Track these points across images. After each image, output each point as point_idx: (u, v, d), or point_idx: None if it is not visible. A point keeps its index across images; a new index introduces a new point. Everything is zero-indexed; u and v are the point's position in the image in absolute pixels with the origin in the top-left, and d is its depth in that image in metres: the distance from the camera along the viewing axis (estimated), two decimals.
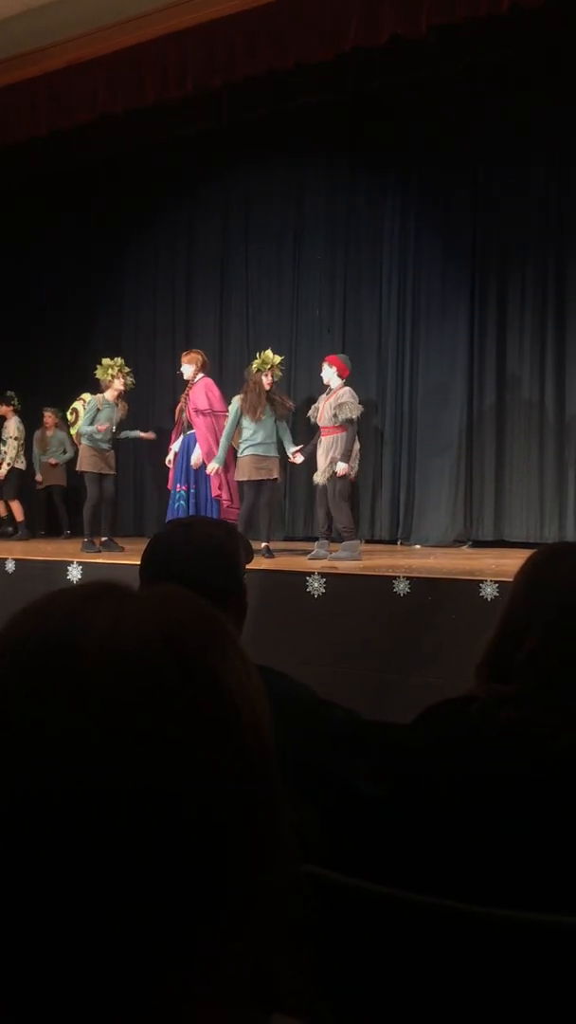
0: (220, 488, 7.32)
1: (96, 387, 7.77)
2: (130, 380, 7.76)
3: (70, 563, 6.24)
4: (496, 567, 5.58)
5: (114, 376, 7.57)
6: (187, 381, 7.61)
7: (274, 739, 0.55)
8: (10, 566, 6.46)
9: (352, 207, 8.74)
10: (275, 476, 7.02)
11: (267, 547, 6.84)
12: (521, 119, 7.65)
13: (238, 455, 7.07)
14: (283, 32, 6.48)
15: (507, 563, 5.61)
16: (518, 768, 1.21)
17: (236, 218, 9.41)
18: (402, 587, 5.09)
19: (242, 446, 7.01)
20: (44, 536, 9.49)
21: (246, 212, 9.33)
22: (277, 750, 0.56)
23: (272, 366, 7.15)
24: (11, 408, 8.99)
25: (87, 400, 7.79)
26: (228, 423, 7.07)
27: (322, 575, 5.33)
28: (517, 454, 7.94)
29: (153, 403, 9.16)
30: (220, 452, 7.08)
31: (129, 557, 6.67)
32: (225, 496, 7.35)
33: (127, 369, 7.75)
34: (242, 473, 6.99)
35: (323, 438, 6.75)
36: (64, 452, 9.22)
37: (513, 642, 1.29)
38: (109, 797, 0.45)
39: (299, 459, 6.97)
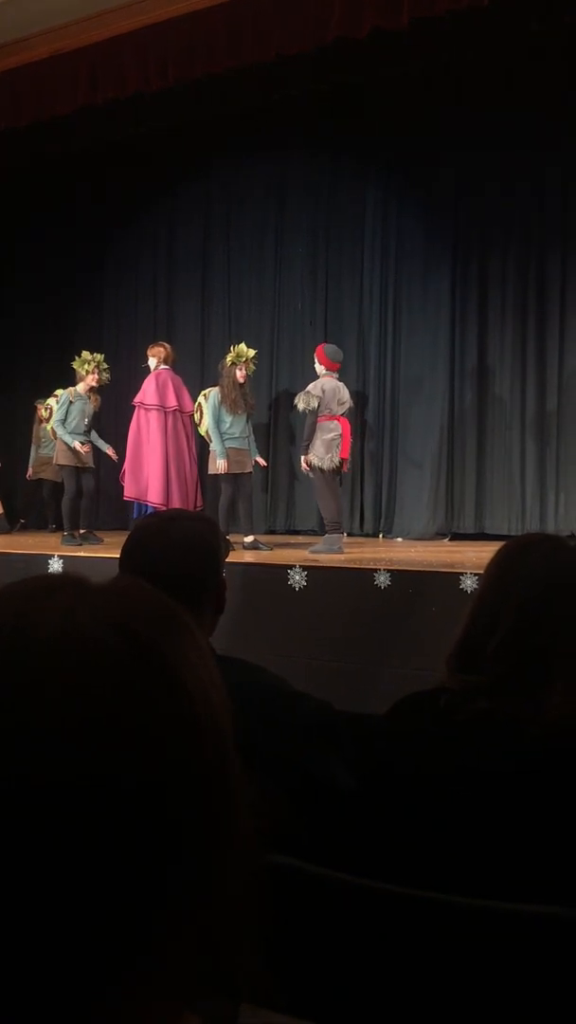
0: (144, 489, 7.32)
1: (73, 381, 7.75)
2: (105, 376, 7.74)
3: (51, 557, 6.22)
4: (476, 560, 5.61)
5: (89, 371, 7.55)
6: None
7: (247, 729, 0.56)
8: None
9: (334, 200, 8.74)
10: (250, 469, 7.06)
11: (255, 540, 6.84)
12: (503, 109, 7.66)
13: (213, 449, 7.07)
14: (265, 24, 6.45)
15: (487, 556, 5.62)
16: (487, 758, 1.22)
17: (218, 212, 9.39)
18: (383, 580, 5.10)
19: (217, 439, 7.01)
20: (25, 528, 9.45)
21: (227, 206, 9.31)
22: (249, 741, 0.56)
23: (246, 360, 7.13)
24: None
25: (59, 395, 7.77)
26: (209, 417, 7.03)
27: (303, 568, 5.34)
28: (498, 447, 7.97)
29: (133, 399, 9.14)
30: (217, 445, 7.00)
31: (110, 550, 6.66)
32: (155, 497, 7.30)
33: (105, 365, 7.74)
34: (220, 466, 6.98)
35: None
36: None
37: (483, 633, 1.30)
38: (59, 787, 0.45)
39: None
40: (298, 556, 6.15)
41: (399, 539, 8.05)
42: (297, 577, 5.30)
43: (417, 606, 4.96)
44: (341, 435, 6.59)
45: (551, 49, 6.86)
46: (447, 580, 4.95)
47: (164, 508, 6.85)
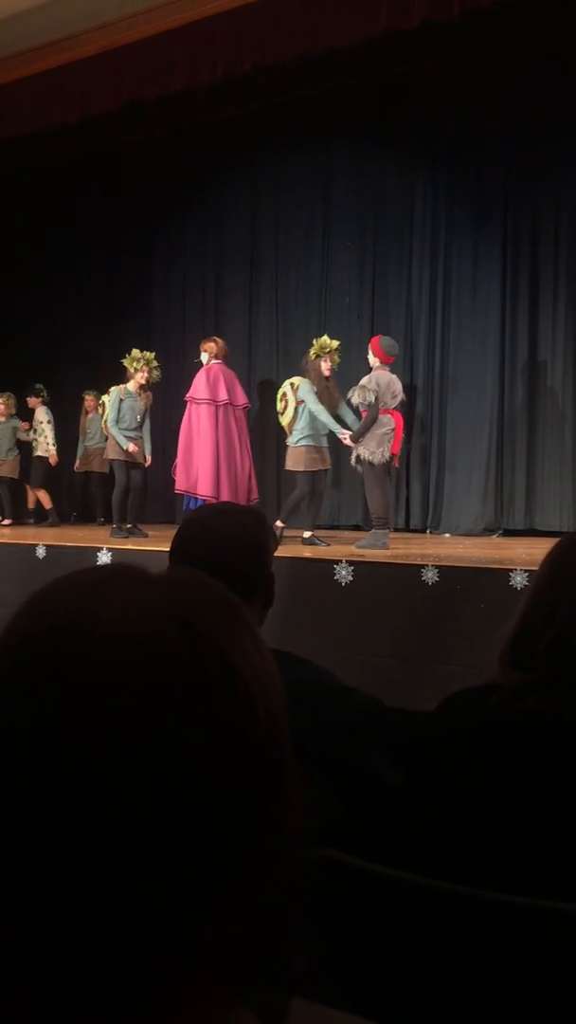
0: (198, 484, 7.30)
1: (124, 376, 7.83)
2: (156, 374, 7.81)
3: (100, 549, 6.28)
4: (526, 556, 5.55)
5: (138, 369, 7.63)
6: None
7: (295, 725, 0.55)
8: (40, 552, 6.52)
9: (381, 192, 8.70)
10: (326, 466, 6.99)
11: (314, 536, 6.78)
12: (555, 99, 7.54)
13: (290, 444, 6.96)
14: (314, 17, 6.44)
15: (537, 552, 5.56)
16: (537, 757, 1.20)
17: (265, 205, 9.39)
18: (431, 576, 5.07)
19: (296, 435, 6.90)
20: (76, 521, 9.56)
21: (275, 199, 9.31)
22: (297, 736, 0.56)
23: (330, 351, 7.02)
24: (39, 399, 9.09)
25: (111, 392, 7.85)
26: (317, 408, 6.83)
27: (350, 563, 5.33)
28: (549, 442, 7.87)
29: (184, 395, 9.16)
30: (333, 426, 6.84)
31: (157, 543, 6.71)
32: (204, 490, 7.28)
33: (155, 364, 7.80)
34: (296, 463, 6.90)
35: None
36: (104, 437, 9.26)
37: (536, 630, 1.28)
38: (117, 780, 0.45)
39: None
40: (344, 551, 6.13)
41: (447, 535, 7.99)
42: (344, 572, 5.29)
43: (466, 603, 4.91)
44: (393, 429, 6.49)
45: None
46: (497, 577, 4.90)
47: (214, 501, 6.86)
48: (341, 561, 5.36)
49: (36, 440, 9.03)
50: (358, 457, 6.49)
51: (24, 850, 0.45)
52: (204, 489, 7.33)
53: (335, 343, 7.13)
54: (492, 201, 8.10)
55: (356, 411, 6.73)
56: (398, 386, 6.63)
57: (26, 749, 0.46)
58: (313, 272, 9.13)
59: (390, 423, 6.48)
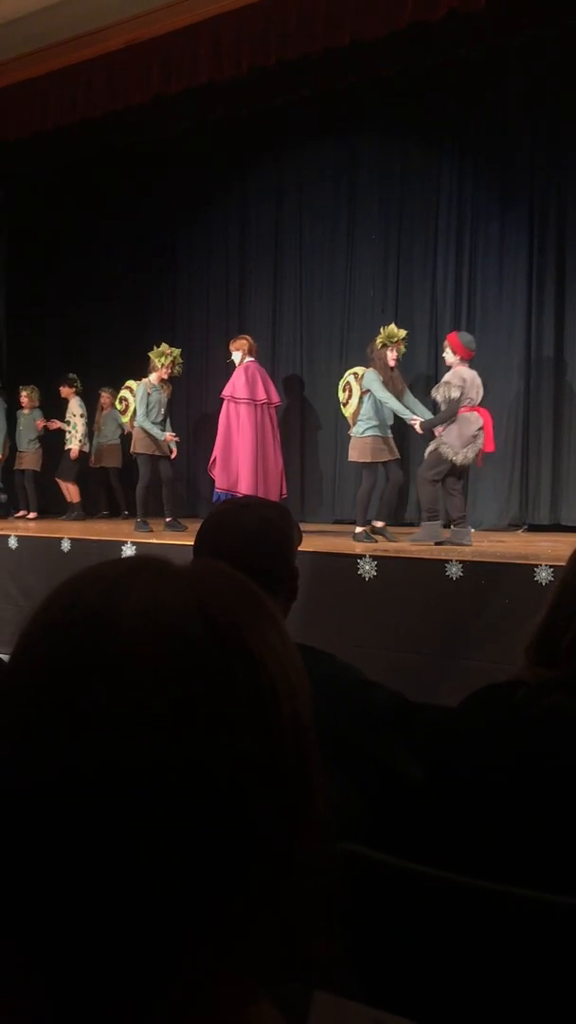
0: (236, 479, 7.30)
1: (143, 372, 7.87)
2: (178, 370, 7.88)
3: (124, 543, 6.31)
4: (551, 551, 5.52)
5: (164, 364, 7.69)
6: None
7: (318, 718, 0.55)
8: (65, 545, 6.56)
9: (406, 185, 8.65)
10: (392, 457, 6.87)
11: (384, 526, 6.70)
12: None
13: (355, 435, 6.86)
14: (339, 9, 6.41)
15: (562, 548, 5.53)
16: (561, 754, 1.20)
17: (289, 199, 9.37)
18: (454, 571, 5.05)
19: (361, 425, 6.80)
20: (105, 516, 9.61)
21: (299, 193, 9.29)
22: (320, 729, 0.56)
23: (397, 340, 6.92)
24: (73, 389, 9.12)
25: (134, 387, 7.88)
26: (384, 396, 6.69)
27: (373, 558, 5.32)
28: (575, 436, 7.81)
29: (208, 390, 9.19)
30: (402, 412, 6.73)
31: (181, 537, 6.73)
32: (245, 488, 7.26)
33: (180, 360, 7.86)
34: (362, 454, 6.80)
35: None
36: (120, 433, 9.31)
37: (562, 626, 1.27)
38: (142, 770, 0.45)
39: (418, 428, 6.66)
40: (368, 545, 6.12)
41: (471, 530, 7.95)
42: (367, 567, 5.28)
43: (490, 598, 4.89)
44: (482, 428, 6.28)
45: None
46: (521, 572, 4.88)
47: None
48: (365, 556, 5.35)
49: (69, 432, 9.06)
50: (434, 450, 6.32)
51: (51, 841, 0.46)
52: (245, 487, 7.35)
53: (402, 332, 7.01)
54: (517, 193, 8.04)
55: (435, 407, 6.60)
56: (480, 382, 6.46)
57: (51, 740, 0.46)
58: (337, 266, 9.10)
59: (478, 421, 6.28)
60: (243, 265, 9.72)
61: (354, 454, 6.90)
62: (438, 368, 8.40)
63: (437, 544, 6.13)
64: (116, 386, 9.14)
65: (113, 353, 9.87)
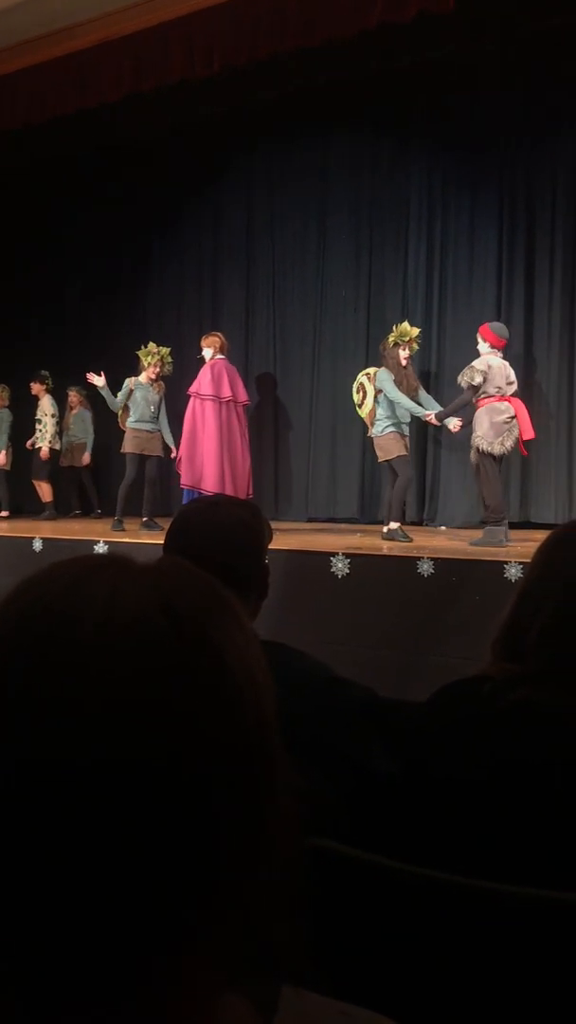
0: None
1: (130, 370, 7.86)
2: (168, 368, 7.90)
3: (97, 542, 6.28)
4: (521, 548, 5.56)
5: (151, 363, 7.73)
6: None
7: (289, 715, 0.56)
8: (37, 545, 6.52)
9: (377, 185, 8.68)
10: (407, 454, 6.84)
11: (400, 528, 6.63)
12: (550, 89, 7.55)
13: (376, 435, 6.78)
14: (310, 9, 6.42)
15: (532, 545, 5.57)
16: (526, 748, 1.21)
17: (261, 199, 9.37)
18: (426, 568, 5.08)
19: (380, 424, 6.74)
20: (77, 516, 9.55)
21: (270, 193, 9.29)
22: (292, 726, 0.56)
23: (410, 339, 6.90)
24: (44, 387, 9.06)
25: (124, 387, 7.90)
26: (396, 395, 6.64)
27: (346, 555, 5.34)
28: (543, 434, 7.85)
29: (182, 389, 9.15)
30: (416, 409, 6.72)
31: (159, 537, 6.71)
32: (210, 486, 7.25)
33: (169, 359, 7.89)
34: (389, 452, 6.72)
35: None
36: (86, 432, 9.27)
37: (527, 621, 1.29)
38: (104, 766, 0.46)
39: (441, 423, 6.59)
40: (340, 543, 6.14)
41: (442, 527, 8.00)
42: (340, 565, 5.30)
43: (460, 595, 4.93)
44: (513, 417, 6.23)
45: None
46: (491, 569, 4.92)
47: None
48: (337, 553, 5.36)
49: (39, 431, 9.00)
50: (478, 449, 6.26)
51: (13, 837, 0.46)
52: (210, 485, 7.34)
53: (415, 331, 6.99)
54: (487, 191, 8.09)
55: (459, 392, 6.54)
56: (511, 372, 6.39)
57: (14, 733, 0.46)
58: (309, 265, 9.11)
59: (509, 410, 6.24)
60: (216, 264, 9.71)
61: (380, 454, 6.84)
62: (416, 365, 8.45)
63: (502, 547, 5.92)
64: (86, 386, 9.12)
65: (86, 353, 9.81)
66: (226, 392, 7.50)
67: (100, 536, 6.55)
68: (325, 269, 9.01)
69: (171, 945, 0.47)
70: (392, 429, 6.70)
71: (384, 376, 6.74)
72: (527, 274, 7.96)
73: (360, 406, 7.17)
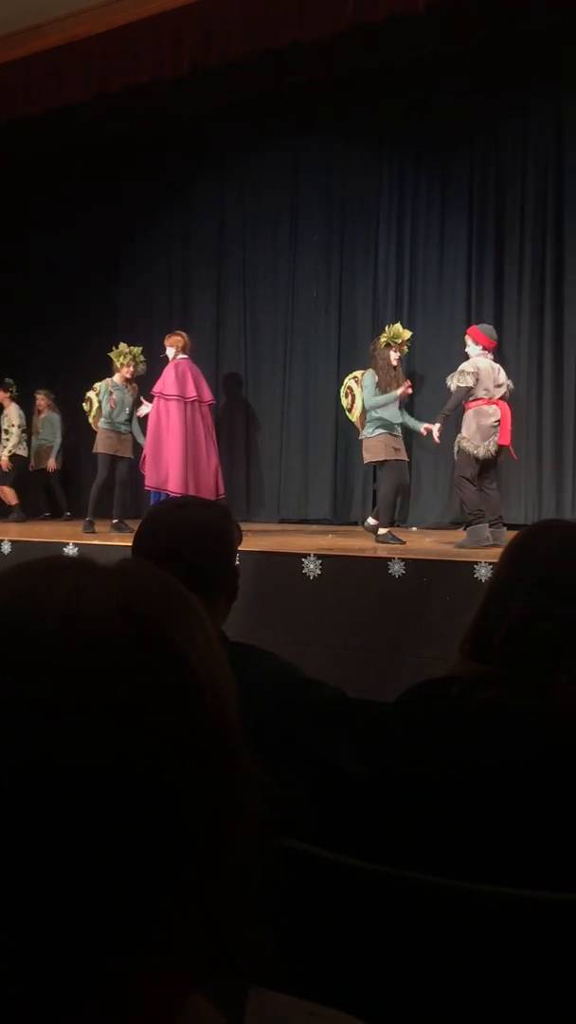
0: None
1: (101, 373, 7.81)
2: (141, 368, 7.90)
3: (66, 544, 6.24)
4: (492, 550, 5.60)
5: (124, 364, 7.72)
6: None
7: (258, 715, 0.55)
8: (6, 547, 6.47)
9: (347, 187, 8.71)
10: (407, 458, 6.80)
11: (390, 532, 6.58)
12: (519, 90, 7.63)
13: (366, 436, 6.75)
14: (280, 10, 6.43)
15: (501, 545, 5.60)
16: (494, 748, 1.22)
17: (231, 202, 9.37)
18: (397, 568, 5.10)
19: (370, 426, 6.70)
20: (46, 518, 9.49)
21: (241, 194, 9.29)
22: (260, 726, 0.56)
23: (402, 341, 6.86)
24: (8, 395, 9.00)
25: (99, 389, 7.84)
26: (374, 401, 6.64)
27: (318, 556, 5.34)
28: (514, 435, 7.92)
29: (150, 390, 9.13)
30: (401, 419, 6.74)
31: (125, 539, 6.68)
32: (175, 487, 7.23)
33: (142, 359, 7.88)
34: (376, 453, 6.69)
35: None
36: (54, 435, 9.21)
37: (495, 620, 1.29)
38: (63, 767, 0.45)
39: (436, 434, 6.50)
40: (312, 544, 6.15)
41: (413, 528, 8.03)
42: (312, 566, 5.30)
43: (431, 595, 4.95)
44: (499, 421, 6.21)
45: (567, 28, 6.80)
46: (462, 569, 4.95)
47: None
48: (309, 555, 5.37)
49: (3, 441, 8.93)
50: (459, 448, 6.25)
51: None
52: (174, 486, 7.31)
53: (407, 333, 6.97)
54: (457, 194, 8.15)
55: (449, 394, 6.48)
56: (502, 376, 6.37)
57: None
58: (280, 266, 9.12)
59: (496, 414, 6.22)
60: (186, 265, 9.68)
61: (368, 455, 6.81)
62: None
63: (489, 545, 5.89)
64: (54, 389, 9.08)
65: (53, 355, 9.76)
66: (191, 392, 7.49)
67: (69, 538, 6.52)
68: (296, 270, 9.02)
69: (132, 945, 0.47)
70: (382, 431, 6.67)
71: (369, 381, 6.71)
72: (496, 274, 8.03)
73: (349, 410, 7.13)
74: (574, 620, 1.25)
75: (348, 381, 7.21)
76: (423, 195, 8.35)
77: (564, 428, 7.74)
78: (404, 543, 6.35)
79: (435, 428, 6.50)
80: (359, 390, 6.89)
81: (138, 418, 7.74)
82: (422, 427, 6.70)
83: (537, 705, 1.20)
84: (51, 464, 9.14)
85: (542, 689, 1.21)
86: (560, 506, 7.68)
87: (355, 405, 6.96)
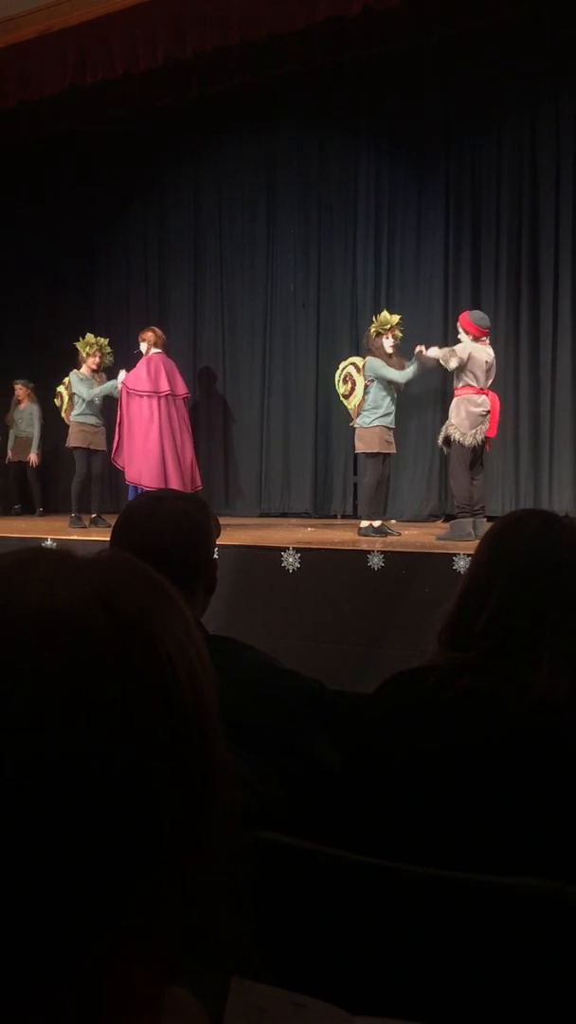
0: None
1: (61, 367, 7.80)
2: (108, 359, 7.86)
3: (44, 540, 6.21)
4: (471, 541, 5.62)
5: (90, 354, 7.67)
6: None
7: (236, 707, 0.55)
8: None
9: (324, 179, 8.70)
10: (395, 450, 6.78)
11: (384, 525, 6.54)
12: (494, 83, 7.65)
13: (361, 426, 6.65)
14: (255, 3, 6.40)
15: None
16: (472, 735, 1.23)
17: (208, 194, 9.33)
18: (376, 561, 5.11)
19: (368, 416, 6.62)
20: (17, 512, 9.43)
21: (217, 187, 9.26)
22: (239, 717, 0.56)
23: (391, 327, 6.76)
24: None
25: (67, 382, 7.80)
26: (392, 374, 6.57)
27: (297, 550, 5.35)
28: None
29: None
30: (407, 375, 6.60)
31: (104, 533, 6.65)
32: (150, 481, 7.20)
33: (108, 349, 7.84)
34: (370, 444, 6.62)
35: None
36: (33, 426, 9.14)
37: (472, 611, 1.30)
38: (39, 758, 0.45)
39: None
40: (291, 538, 6.15)
41: (392, 520, 8.04)
42: (291, 559, 5.31)
43: (410, 587, 4.97)
44: (489, 411, 6.16)
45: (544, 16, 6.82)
46: (440, 561, 4.97)
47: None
48: (288, 548, 5.37)
49: None
50: (447, 438, 6.21)
51: None
52: (150, 480, 7.29)
53: (395, 318, 6.86)
54: (434, 186, 8.16)
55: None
56: (491, 364, 6.31)
57: None
58: (258, 260, 9.10)
59: (485, 404, 6.17)
60: (162, 258, 9.64)
61: (361, 445, 6.72)
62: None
63: (471, 540, 5.82)
64: (32, 379, 9.00)
65: (29, 350, 9.70)
66: (164, 386, 7.49)
67: (46, 534, 6.48)
68: (273, 263, 9.01)
69: (107, 936, 0.47)
70: (380, 422, 6.60)
71: (377, 364, 6.60)
72: (474, 264, 8.06)
73: (348, 396, 6.96)
74: (552, 609, 1.26)
75: (347, 368, 7.05)
76: (400, 186, 8.36)
77: (541, 417, 7.77)
78: (386, 536, 6.36)
79: (422, 347, 6.47)
80: (360, 377, 6.78)
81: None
82: (416, 351, 6.58)
83: (515, 692, 1.21)
84: (33, 458, 9.06)
85: (521, 677, 1.21)
86: (538, 495, 7.73)
87: (355, 392, 6.85)
